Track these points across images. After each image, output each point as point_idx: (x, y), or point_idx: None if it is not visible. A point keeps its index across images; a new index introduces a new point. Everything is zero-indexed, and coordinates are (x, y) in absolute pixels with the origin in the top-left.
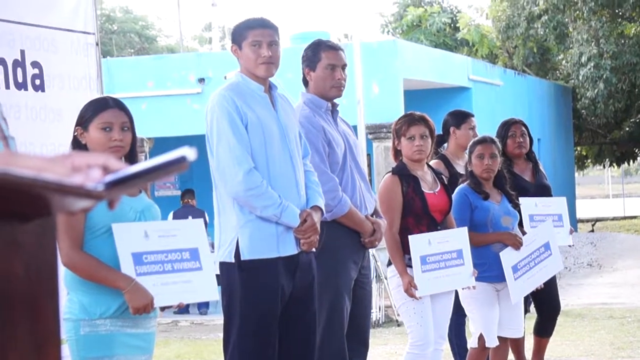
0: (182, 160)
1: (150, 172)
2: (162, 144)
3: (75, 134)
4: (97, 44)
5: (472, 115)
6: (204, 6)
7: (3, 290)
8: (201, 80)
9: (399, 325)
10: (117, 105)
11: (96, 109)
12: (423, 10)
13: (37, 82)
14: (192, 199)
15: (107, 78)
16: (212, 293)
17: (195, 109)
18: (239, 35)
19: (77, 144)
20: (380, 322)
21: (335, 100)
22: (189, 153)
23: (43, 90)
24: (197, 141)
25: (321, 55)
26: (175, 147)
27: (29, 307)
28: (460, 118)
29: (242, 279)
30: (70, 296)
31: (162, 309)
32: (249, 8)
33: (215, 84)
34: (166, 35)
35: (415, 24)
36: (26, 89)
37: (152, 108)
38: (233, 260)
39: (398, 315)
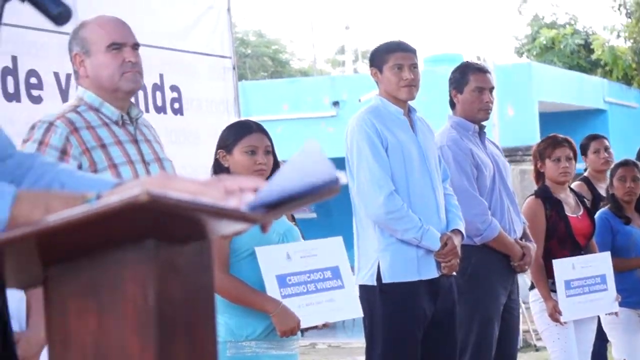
0: (334, 182)
1: (303, 196)
2: None
3: (218, 157)
4: (234, 68)
5: (602, 137)
6: (337, 29)
7: (163, 313)
8: (335, 103)
9: (537, 350)
10: (260, 129)
11: (240, 133)
12: (556, 32)
13: (176, 105)
14: None
15: (242, 101)
16: (356, 310)
17: (330, 132)
18: (379, 58)
19: (219, 167)
20: (519, 346)
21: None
22: (341, 176)
23: (182, 114)
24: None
25: (469, 78)
26: None
27: (188, 330)
28: (590, 140)
29: (383, 302)
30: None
31: (307, 329)
32: (382, 31)
33: (349, 107)
34: (299, 58)
35: (548, 45)
36: (165, 113)
37: (287, 131)
38: (374, 284)
39: (537, 340)
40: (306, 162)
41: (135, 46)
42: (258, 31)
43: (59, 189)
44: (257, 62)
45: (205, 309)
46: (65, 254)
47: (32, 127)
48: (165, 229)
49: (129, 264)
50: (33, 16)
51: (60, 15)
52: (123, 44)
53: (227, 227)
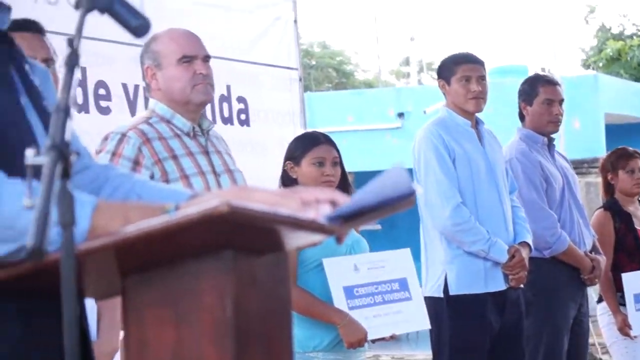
0: (410, 194)
1: (379, 207)
2: (362, 179)
3: (286, 168)
4: (300, 79)
5: None
6: (401, 40)
7: (240, 324)
8: (400, 114)
9: None
10: (328, 140)
11: (308, 144)
12: (623, 44)
13: (243, 116)
14: None
15: (308, 112)
16: (424, 322)
17: (395, 144)
18: (447, 70)
19: (287, 179)
20: None
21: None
22: (417, 187)
23: (248, 125)
24: None
25: (538, 90)
26: None
27: (264, 341)
28: None
29: (450, 314)
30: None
31: (374, 341)
32: (447, 42)
33: (414, 119)
34: (363, 69)
35: (615, 57)
36: (232, 124)
37: (351, 142)
38: (441, 295)
39: (603, 353)
40: (386, 179)
41: (206, 58)
42: (322, 42)
43: (136, 200)
44: (322, 73)
45: (282, 321)
46: (143, 264)
47: (105, 138)
48: (242, 240)
49: (207, 274)
50: (102, 28)
51: (139, 27)
52: (194, 56)
53: (303, 239)
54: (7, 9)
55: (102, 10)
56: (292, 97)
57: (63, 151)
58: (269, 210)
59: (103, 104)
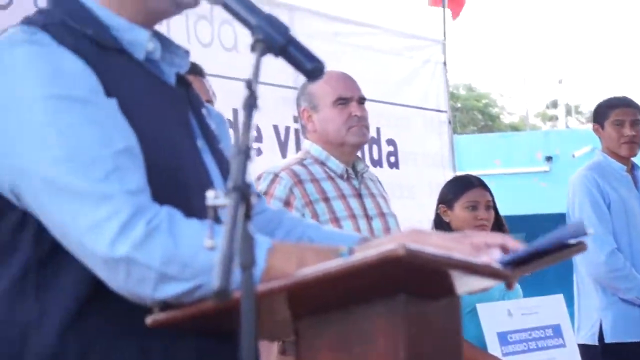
0: (582, 240)
1: (551, 252)
2: (510, 223)
3: (439, 211)
4: (449, 122)
5: None
6: (549, 83)
7: None
8: (549, 158)
9: None
10: (481, 184)
11: (461, 188)
12: None
13: (392, 159)
14: None
15: (455, 155)
16: None
17: (543, 187)
18: (601, 114)
19: (440, 222)
20: None
21: None
22: (590, 231)
23: (397, 167)
24: (545, 220)
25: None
26: (524, 226)
27: None
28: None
29: None
30: None
31: None
32: (596, 85)
33: (562, 163)
34: (509, 112)
35: None
36: (381, 166)
37: (499, 186)
38: (596, 343)
39: None
40: (564, 230)
41: (362, 100)
42: (468, 85)
43: (308, 243)
44: (467, 115)
45: None
46: (317, 306)
47: (258, 178)
48: (416, 284)
49: (380, 318)
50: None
51: (314, 70)
52: (349, 98)
53: (475, 284)
54: (186, 53)
55: (277, 53)
56: (441, 139)
57: (245, 193)
58: (444, 254)
59: (254, 145)
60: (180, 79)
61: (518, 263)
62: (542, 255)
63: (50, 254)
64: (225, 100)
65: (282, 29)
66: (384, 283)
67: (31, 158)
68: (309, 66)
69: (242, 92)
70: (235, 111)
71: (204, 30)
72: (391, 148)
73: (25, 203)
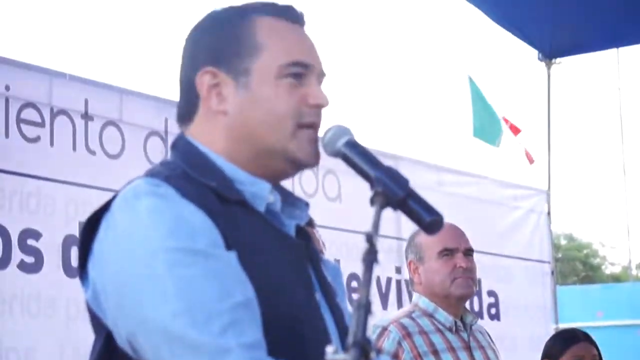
0: None
1: None
2: None
3: None
4: (552, 273)
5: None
6: None
7: None
8: None
9: None
10: (587, 338)
11: (567, 342)
12: None
13: (493, 311)
14: None
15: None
16: None
17: None
18: None
19: None
20: None
21: None
22: None
23: (498, 319)
24: None
25: None
26: None
27: None
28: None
29: None
30: None
31: None
32: None
33: None
34: (611, 262)
35: None
36: (482, 318)
37: (601, 338)
38: None
39: None
40: None
41: (468, 252)
42: (569, 235)
43: None
44: (568, 266)
45: None
46: None
47: None
48: None
49: None
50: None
51: (432, 224)
52: (455, 249)
53: None
54: (306, 205)
55: (396, 207)
56: (543, 291)
57: (365, 348)
58: None
59: (355, 296)
60: (300, 230)
61: None
62: None
63: None
64: (328, 250)
65: (402, 182)
66: None
67: (151, 309)
68: (427, 219)
69: (345, 242)
70: (337, 262)
71: (309, 180)
72: (492, 299)
73: (141, 354)
